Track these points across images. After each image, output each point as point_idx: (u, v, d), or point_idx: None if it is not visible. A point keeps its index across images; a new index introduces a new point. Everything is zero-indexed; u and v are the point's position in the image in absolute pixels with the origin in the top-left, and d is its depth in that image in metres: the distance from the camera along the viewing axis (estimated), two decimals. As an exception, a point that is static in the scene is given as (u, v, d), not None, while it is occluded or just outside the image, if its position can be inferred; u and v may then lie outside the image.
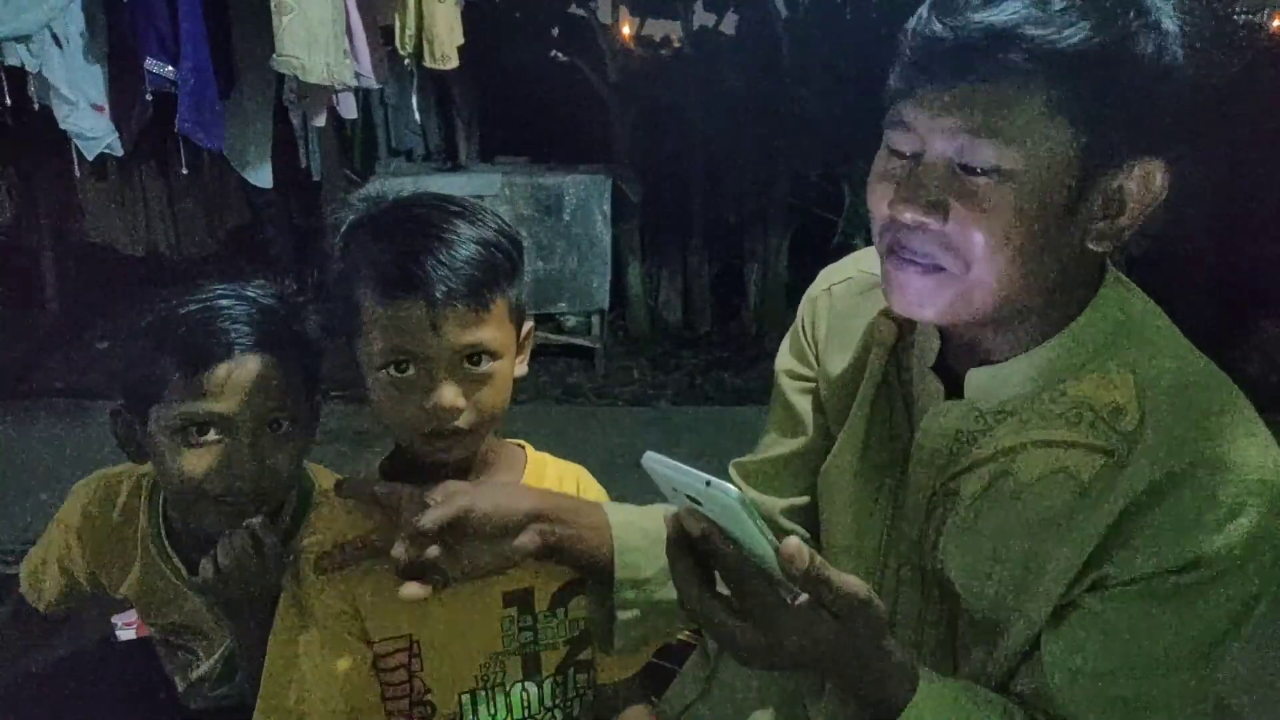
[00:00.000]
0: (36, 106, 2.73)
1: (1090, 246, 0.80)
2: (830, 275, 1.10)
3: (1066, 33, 0.73)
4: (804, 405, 1.08)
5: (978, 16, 0.74)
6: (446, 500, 0.89)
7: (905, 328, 0.98)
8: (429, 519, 0.87)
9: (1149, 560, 0.78)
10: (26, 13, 2.53)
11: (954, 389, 0.91)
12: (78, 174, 3.17)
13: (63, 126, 2.73)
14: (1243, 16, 5.54)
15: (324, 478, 1.23)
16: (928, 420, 0.91)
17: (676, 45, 5.63)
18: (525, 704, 1.06)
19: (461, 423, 0.94)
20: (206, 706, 1.24)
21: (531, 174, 4.65)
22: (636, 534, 1.00)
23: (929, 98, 0.77)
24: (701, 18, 5.16)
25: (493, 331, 0.94)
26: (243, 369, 1.02)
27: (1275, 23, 5.33)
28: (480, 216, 0.96)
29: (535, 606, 1.06)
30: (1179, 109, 0.78)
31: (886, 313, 0.98)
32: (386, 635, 1.02)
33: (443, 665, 1.03)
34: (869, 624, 0.74)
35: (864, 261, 1.05)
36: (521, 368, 1.03)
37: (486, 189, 4.47)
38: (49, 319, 5.03)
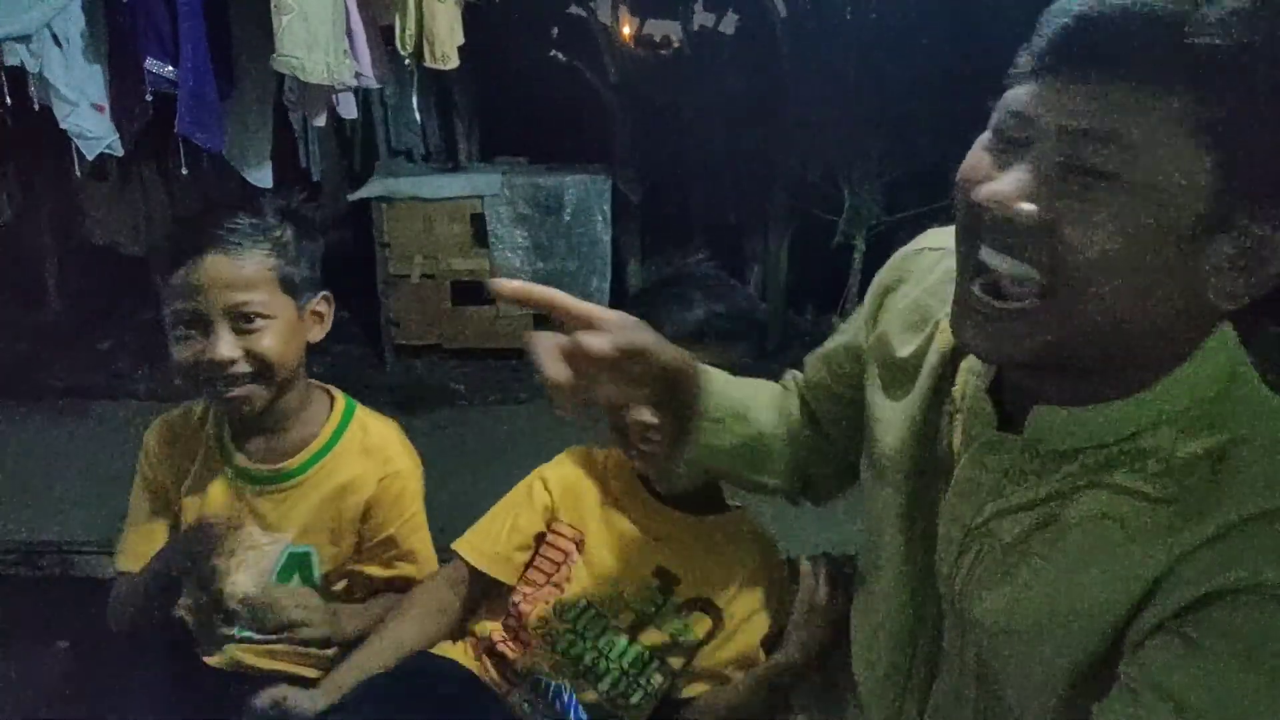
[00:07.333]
0: (36, 106, 2.72)
1: (1213, 301, 0.68)
2: (927, 240, 0.97)
3: (1227, 36, 0.62)
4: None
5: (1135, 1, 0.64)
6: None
7: None
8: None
9: (1246, 569, 0.66)
10: (26, 13, 2.53)
11: (1005, 415, 0.81)
12: (78, 174, 3.16)
13: (63, 126, 2.72)
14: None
15: (371, 420, 1.40)
16: (977, 450, 0.81)
17: (676, 45, 5.63)
18: (615, 653, 1.20)
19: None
20: (224, 657, 1.33)
21: (531, 174, 4.64)
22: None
23: (1054, 85, 0.68)
24: (701, 18, 5.15)
25: None
26: (204, 267, 1.21)
27: (1275, 23, 5.32)
28: None
29: (673, 594, 1.23)
30: None
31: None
32: (568, 522, 1.27)
33: (589, 575, 1.23)
34: None
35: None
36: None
37: (486, 189, 4.46)
38: (50, 319, 5.03)
